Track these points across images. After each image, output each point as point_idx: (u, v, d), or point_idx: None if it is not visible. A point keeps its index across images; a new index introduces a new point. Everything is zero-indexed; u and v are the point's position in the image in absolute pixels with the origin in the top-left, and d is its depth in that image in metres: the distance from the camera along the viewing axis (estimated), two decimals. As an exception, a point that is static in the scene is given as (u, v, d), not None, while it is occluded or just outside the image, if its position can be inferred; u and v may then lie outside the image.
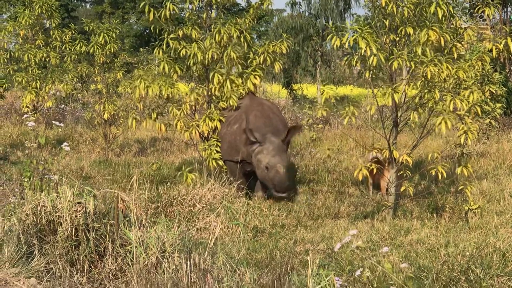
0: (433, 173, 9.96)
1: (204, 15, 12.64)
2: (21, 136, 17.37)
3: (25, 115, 11.21)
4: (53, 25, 17.21)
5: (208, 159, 11.90)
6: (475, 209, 10.10)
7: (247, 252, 8.44)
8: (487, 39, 10.03)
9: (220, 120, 12.01)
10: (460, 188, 10.37)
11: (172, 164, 14.62)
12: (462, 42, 10.09)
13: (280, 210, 10.91)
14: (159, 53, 12.41)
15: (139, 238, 6.63)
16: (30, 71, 16.96)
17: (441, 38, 9.38)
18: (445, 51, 9.76)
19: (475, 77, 12.24)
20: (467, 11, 24.42)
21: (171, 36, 12.30)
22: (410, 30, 9.55)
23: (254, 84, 12.48)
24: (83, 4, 59.97)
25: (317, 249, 8.66)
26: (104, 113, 15.24)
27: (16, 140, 17.08)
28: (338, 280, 6.05)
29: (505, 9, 26.29)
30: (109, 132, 15.81)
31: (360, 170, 9.86)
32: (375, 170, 10.40)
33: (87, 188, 7.31)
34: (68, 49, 16.87)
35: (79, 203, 7.10)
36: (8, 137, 17.45)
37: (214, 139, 12.07)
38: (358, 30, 9.41)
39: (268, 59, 12.57)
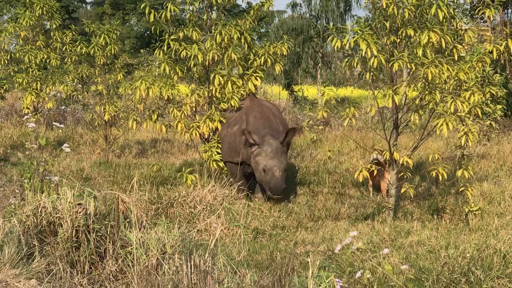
0: (434, 174, 9.96)
1: (205, 17, 12.64)
2: (21, 137, 17.37)
3: (26, 116, 11.19)
4: (54, 26, 17.21)
5: (208, 161, 11.91)
6: (476, 210, 10.10)
7: (248, 253, 8.44)
8: (488, 40, 10.02)
9: (220, 121, 12.01)
10: (460, 189, 10.38)
11: (172, 166, 14.62)
12: (463, 44, 10.08)
13: (281, 212, 10.91)
14: (159, 54, 12.43)
15: (139, 239, 6.63)
16: (30, 72, 16.96)
17: (442, 40, 9.37)
18: (446, 53, 9.76)
19: (475, 78, 12.23)
20: (467, 12, 24.41)
21: (172, 37, 12.31)
22: (410, 32, 9.55)
23: (255, 85, 12.48)
24: (84, 5, 59.94)
25: (318, 250, 8.65)
26: (104, 115, 15.24)
27: (16, 141, 17.08)
28: (339, 281, 6.05)
29: (505, 10, 26.27)
30: (110, 133, 15.81)
31: (361, 171, 9.86)
32: (375, 172, 10.40)
33: (88, 189, 7.31)
34: (68, 50, 16.87)
35: (79, 204, 7.10)
36: (8, 138, 17.45)
37: (214, 141, 12.08)
38: (358, 31, 9.41)
39: (268, 60, 12.58)
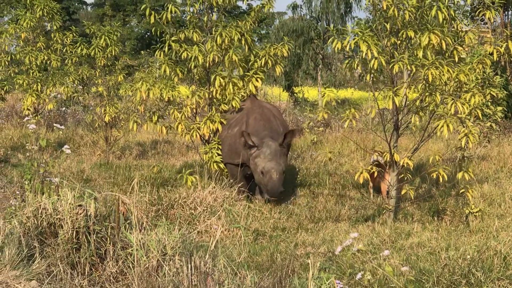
0: (434, 176, 9.96)
1: (205, 18, 12.64)
2: (22, 139, 17.38)
3: (26, 118, 11.19)
4: (54, 27, 17.21)
5: (209, 162, 11.91)
6: (476, 212, 10.10)
7: (248, 255, 8.44)
8: (488, 42, 10.02)
9: (221, 123, 12.01)
10: (461, 191, 10.37)
11: (173, 167, 14.62)
12: (463, 46, 10.09)
13: (281, 213, 10.91)
14: (160, 56, 12.43)
15: (140, 241, 6.63)
16: (31, 74, 16.96)
17: (443, 41, 9.38)
18: (446, 55, 9.77)
19: (476, 80, 12.23)
20: (468, 14, 24.42)
21: (173, 38, 12.31)
22: (411, 34, 9.55)
23: (255, 87, 12.48)
24: (84, 6, 59.97)
25: (318, 252, 8.65)
26: (105, 116, 15.24)
27: (17, 143, 17.09)
28: (339, 283, 6.06)
29: (506, 12, 26.29)
30: (110, 135, 15.81)
31: (361, 173, 9.86)
32: (375, 173, 10.40)
33: (88, 190, 7.31)
34: (69, 51, 16.87)
35: (80, 205, 7.11)
36: (9, 140, 17.45)
37: (215, 142, 12.08)
38: (359, 33, 9.41)
39: (269, 61, 12.58)
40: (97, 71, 15.83)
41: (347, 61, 10.01)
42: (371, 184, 12.26)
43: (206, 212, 10.11)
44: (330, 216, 10.90)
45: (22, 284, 6.35)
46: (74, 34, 17.23)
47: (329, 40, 9.81)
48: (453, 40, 9.66)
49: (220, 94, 12.28)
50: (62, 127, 11.60)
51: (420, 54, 9.38)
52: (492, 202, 11.19)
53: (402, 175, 10.17)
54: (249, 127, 11.75)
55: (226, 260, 6.58)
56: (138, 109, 12.85)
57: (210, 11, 12.76)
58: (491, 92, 12.43)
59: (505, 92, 19.04)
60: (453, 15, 9.81)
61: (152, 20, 12.19)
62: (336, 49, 9.63)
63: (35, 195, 7.45)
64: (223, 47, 12.14)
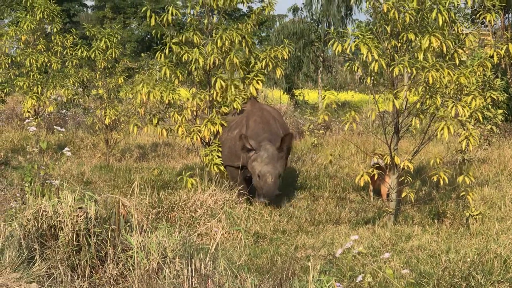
0: (435, 179, 9.95)
1: (206, 21, 12.65)
2: (22, 141, 17.38)
3: (27, 120, 11.21)
4: (55, 30, 17.22)
5: (209, 164, 11.90)
6: (476, 215, 10.09)
7: (248, 257, 8.43)
8: (489, 45, 10.02)
9: (221, 125, 12.01)
10: (461, 194, 10.37)
11: (173, 170, 14.62)
12: (464, 48, 10.09)
13: (281, 216, 10.91)
14: (161, 58, 12.42)
15: (140, 243, 6.63)
16: (31, 76, 16.97)
17: (443, 44, 9.38)
18: (447, 57, 9.77)
19: (476, 83, 12.24)
20: (468, 17, 24.42)
21: (174, 40, 12.32)
22: (411, 36, 9.55)
23: (256, 89, 12.48)
24: (85, 9, 59.97)
25: (318, 254, 8.65)
26: (105, 118, 15.24)
27: (17, 145, 17.09)
28: (339, 286, 6.05)
29: (506, 15, 26.29)
30: (110, 137, 15.81)
31: (362, 176, 9.85)
32: (376, 176, 10.39)
33: (88, 193, 7.31)
34: (69, 54, 16.89)
35: (80, 208, 7.11)
36: (9, 142, 17.45)
37: (215, 144, 12.08)
38: (359, 35, 9.41)
39: (270, 64, 12.58)
40: (98, 73, 15.83)
41: (347, 64, 10.00)
42: (371, 187, 12.25)
43: (207, 214, 10.11)
44: (331, 218, 10.90)
45: (22, 286, 6.35)
46: (75, 37, 17.24)
47: (330, 43, 9.81)
48: (453, 42, 9.66)
49: (221, 96, 12.29)
50: (63, 129, 11.61)
51: (421, 56, 9.38)
52: (492, 205, 11.19)
53: (403, 177, 10.17)
54: (249, 129, 11.76)
55: (227, 263, 6.58)
56: (138, 111, 12.84)
57: (210, 14, 12.77)
58: (492, 95, 12.43)
59: (505, 95, 19.04)
60: (454, 17, 9.81)
61: (153, 23, 12.18)
62: (336, 51, 9.63)
63: (35, 198, 7.45)
64: (223, 50, 12.14)
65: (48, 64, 17.13)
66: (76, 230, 6.91)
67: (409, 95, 9.77)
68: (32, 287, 6.35)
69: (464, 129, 9.68)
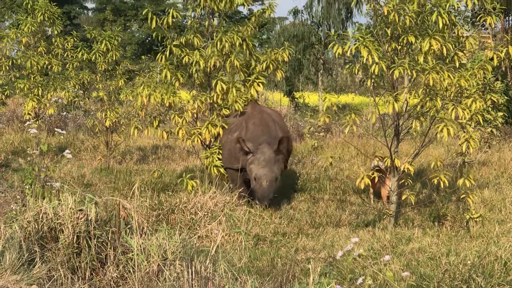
0: (435, 181, 9.95)
1: (206, 23, 12.66)
2: (23, 143, 17.39)
3: (27, 122, 11.20)
4: (55, 32, 17.25)
5: (209, 167, 11.91)
6: (477, 218, 10.09)
7: (249, 260, 8.44)
8: (489, 47, 10.02)
9: (222, 127, 12.01)
10: (461, 197, 10.37)
11: (173, 172, 14.62)
12: (464, 51, 10.09)
13: (282, 218, 10.91)
14: (162, 60, 12.42)
15: (140, 245, 6.63)
16: (32, 78, 16.98)
17: (443, 47, 9.38)
18: (447, 60, 9.77)
19: (476, 85, 12.23)
20: (469, 19, 24.44)
21: (174, 43, 12.33)
22: (412, 39, 9.55)
23: (256, 92, 12.49)
24: (85, 11, 60.01)
25: (319, 257, 8.65)
26: (105, 121, 15.25)
27: (18, 147, 17.10)
28: (340, 288, 6.05)
29: (506, 18, 26.30)
30: (111, 140, 15.81)
31: (362, 178, 9.85)
32: (376, 179, 10.40)
33: (89, 195, 7.32)
34: (70, 56, 16.91)
35: (80, 210, 7.11)
36: (10, 144, 17.46)
37: (216, 147, 12.09)
38: (360, 38, 9.42)
39: (270, 66, 12.59)
40: (98, 75, 15.85)
41: (348, 66, 10.01)
42: (371, 189, 12.25)
43: (207, 217, 10.12)
44: (331, 221, 10.90)
45: (22, 288, 6.36)
46: (75, 39, 17.27)
47: (330, 45, 9.81)
48: (454, 45, 9.66)
49: (221, 99, 12.29)
50: (63, 131, 11.59)
51: (421, 59, 9.38)
52: (492, 208, 11.19)
53: (403, 180, 10.17)
54: (249, 132, 11.77)
55: (227, 265, 6.58)
56: (139, 114, 12.85)
57: (211, 16, 12.78)
58: (492, 98, 12.44)
59: (505, 97, 19.04)
60: (454, 20, 9.81)
61: (154, 25, 12.19)
62: (337, 54, 9.64)
63: (36, 200, 7.46)
64: (223, 52, 12.15)
65: (49, 67, 17.15)
66: (77, 232, 6.92)
67: (409, 97, 9.77)
68: (32, 289, 6.36)
69: (465, 132, 9.68)
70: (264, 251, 9.06)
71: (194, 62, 12.07)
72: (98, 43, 15.37)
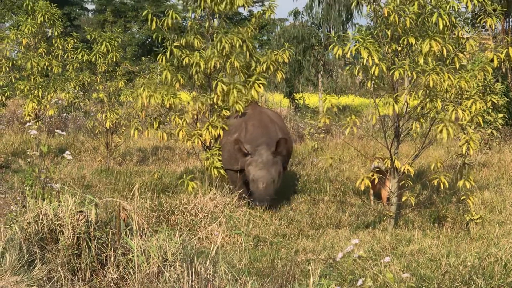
0: (435, 183, 9.95)
1: (207, 24, 12.66)
2: (23, 145, 17.38)
3: (27, 124, 11.21)
4: (56, 33, 17.26)
5: (210, 168, 11.91)
6: (477, 219, 10.09)
7: (249, 261, 8.43)
8: (489, 49, 10.02)
9: (223, 128, 12.01)
10: (462, 198, 10.37)
11: (173, 173, 14.62)
12: (464, 52, 10.09)
13: (282, 220, 10.91)
14: (162, 61, 12.42)
15: (140, 247, 6.63)
16: (32, 79, 16.99)
17: (443, 48, 9.38)
18: (447, 61, 9.77)
19: (477, 87, 12.24)
20: (469, 21, 24.44)
21: (175, 44, 12.32)
22: (412, 40, 9.55)
23: (257, 93, 12.49)
24: (86, 13, 60.05)
25: (319, 258, 8.65)
26: (106, 122, 15.25)
27: (18, 149, 17.09)
28: (340, 289, 6.05)
29: (507, 19, 26.30)
30: (111, 141, 15.81)
31: (362, 180, 9.85)
32: (376, 180, 10.40)
33: (89, 196, 7.32)
34: (70, 57, 16.92)
35: (81, 211, 7.11)
36: (10, 146, 17.45)
37: (216, 148, 12.09)
38: (360, 39, 9.42)
39: (271, 67, 12.59)
40: (98, 77, 15.85)
41: (348, 68, 10.02)
42: (371, 190, 12.24)
43: (207, 218, 10.12)
44: (331, 222, 10.90)
45: (22, 290, 6.35)
46: (75, 40, 17.28)
47: (330, 47, 9.81)
48: (454, 47, 9.67)
49: (222, 100, 12.29)
50: (63, 133, 11.61)
51: (421, 60, 9.38)
52: (492, 209, 11.19)
53: (403, 181, 10.17)
54: (248, 133, 11.77)
55: (227, 267, 6.58)
56: (139, 115, 12.84)
57: (211, 17, 12.78)
58: (492, 99, 12.44)
59: (506, 99, 19.05)
60: (454, 22, 9.81)
61: (154, 26, 12.19)
62: (337, 55, 9.63)
63: (36, 201, 7.45)
64: (224, 53, 12.15)
65: (49, 68, 17.16)
66: (77, 234, 6.91)
67: (409, 99, 9.77)
68: (32, 290, 6.36)
69: (465, 133, 9.68)
70: (264, 252, 9.06)
71: (194, 63, 12.07)
72: (98, 44, 15.36)
